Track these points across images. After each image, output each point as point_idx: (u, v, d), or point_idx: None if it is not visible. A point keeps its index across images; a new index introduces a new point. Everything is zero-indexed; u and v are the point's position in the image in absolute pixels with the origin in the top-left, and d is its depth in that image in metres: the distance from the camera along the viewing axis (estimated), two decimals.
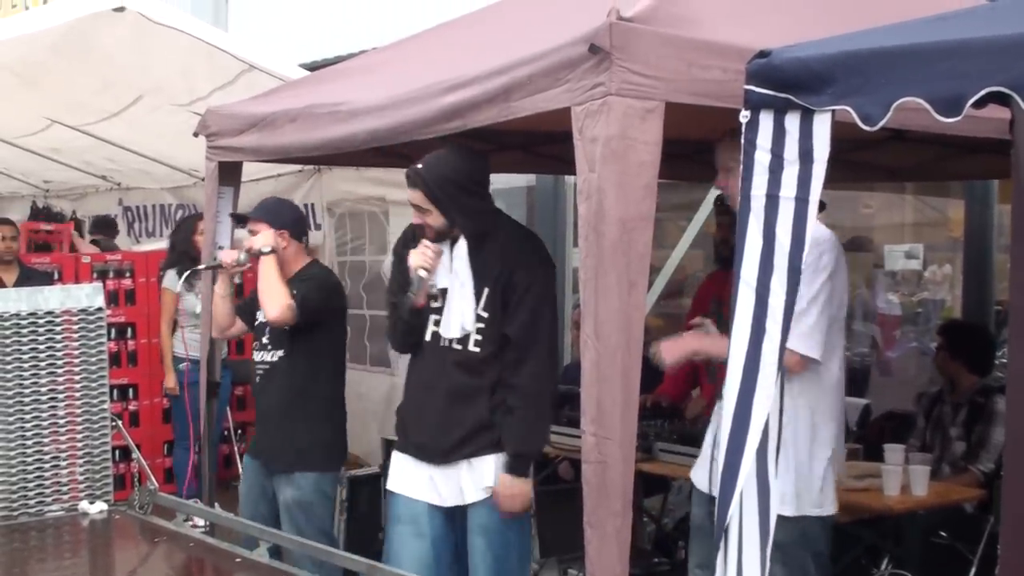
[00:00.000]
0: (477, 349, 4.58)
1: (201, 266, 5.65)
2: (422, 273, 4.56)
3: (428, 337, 4.70)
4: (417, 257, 4.58)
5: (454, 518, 4.69)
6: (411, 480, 4.74)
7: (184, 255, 7.98)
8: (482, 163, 4.72)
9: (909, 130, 4.62)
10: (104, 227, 11.01)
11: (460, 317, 4.60)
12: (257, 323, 5.60)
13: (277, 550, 4.74)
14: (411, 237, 4.76)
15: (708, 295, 6.55)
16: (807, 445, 4.31)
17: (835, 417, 4.43)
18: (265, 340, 5.53)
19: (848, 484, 5.24)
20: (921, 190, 10.10)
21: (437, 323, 4.67)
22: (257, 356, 5.58)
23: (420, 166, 4.56)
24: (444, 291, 4.65)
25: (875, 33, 3.19)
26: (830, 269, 4.24)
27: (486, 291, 4.57)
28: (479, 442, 4.58)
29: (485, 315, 4.58)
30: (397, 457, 4.83)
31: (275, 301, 5.31)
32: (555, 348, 4.65)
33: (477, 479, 4.60)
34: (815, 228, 3.96)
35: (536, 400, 4.56)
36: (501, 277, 4.56)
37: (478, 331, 4.59)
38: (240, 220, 5.68)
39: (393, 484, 4.81)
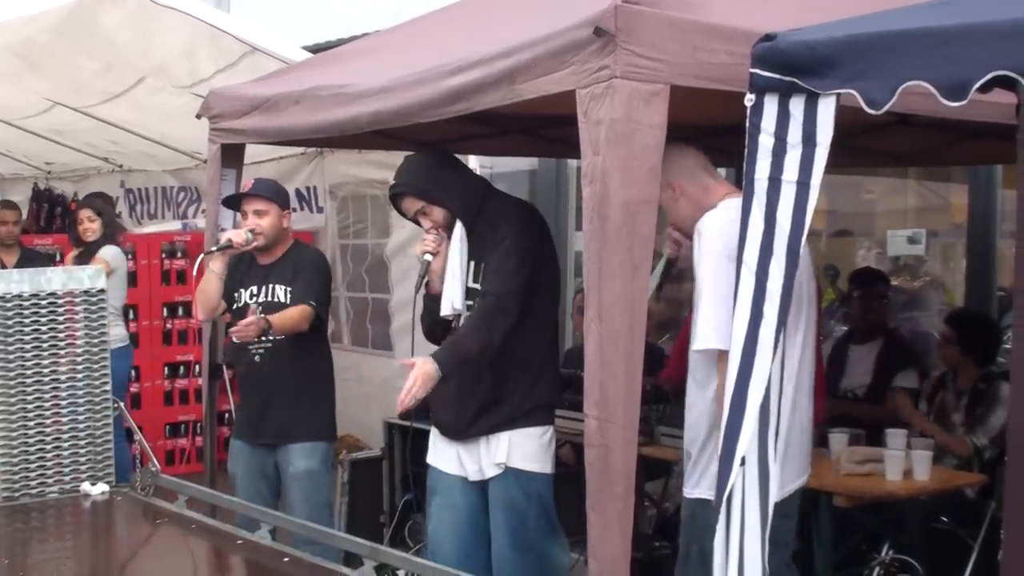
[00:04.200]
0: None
1: (213, 248, 5.63)
2: (427, 258, 4.80)
3: (454, 324, 4.86)
4: (420, 245, 4.84)
5: (483, 491, 4.86)
6: (443, 455, 4.95)
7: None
8: (441, 150, 5.04)
9: (914, 115, 4.61)
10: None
11: (450, 297, 4.77)
12: (240, 304, 5.65)
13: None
14: None
15: None
16: None
17: None
18: None
19: (849, 469, 5.24)
20: (924, 175, 10.07)
21: None
22: None
23: (400, 174, 4.86)
24: None
25: (881, 17, 3.18)
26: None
27: (482, 264, 4.72)
28: (491, 419, 4.75)
29: (478, 288, 4.73)
30: (432, 432, 5.04)
31: (301, 326, 5.49)
32: (516, 293, 4.63)
33: (493, 455, 4.76)
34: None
35: (482, 316, 4.64)
36: (492, 244, 4.69)
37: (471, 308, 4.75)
38: (234, 202, 5.70)
39: (430, 458, 5.03)
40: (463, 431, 4.82)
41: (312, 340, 5.64)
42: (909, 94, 2.95)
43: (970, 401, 6.20)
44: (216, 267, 5.59)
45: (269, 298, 5.59)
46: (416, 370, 4.50)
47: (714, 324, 3.82)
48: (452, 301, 4.76)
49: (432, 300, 4.87)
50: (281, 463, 5.66)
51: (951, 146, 6.46)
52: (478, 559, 4.85)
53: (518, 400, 4.75)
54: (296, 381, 5.60)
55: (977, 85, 2.79)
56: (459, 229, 4.76)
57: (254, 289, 5.64)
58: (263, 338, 5.52)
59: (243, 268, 5.71)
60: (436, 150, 5.09)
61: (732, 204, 3.91)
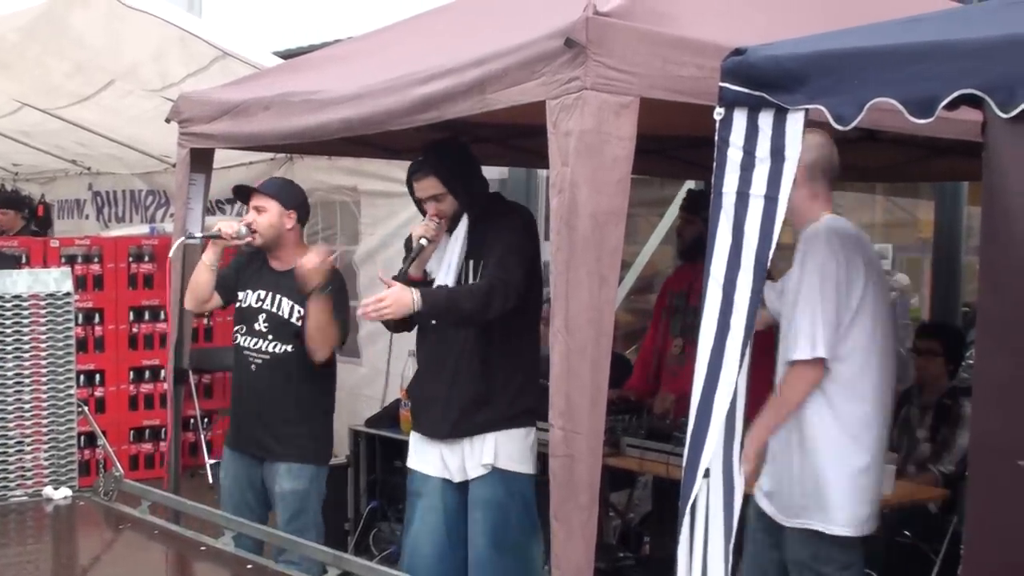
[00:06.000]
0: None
1: (198, 234, 5.52)
2: (423, 242, 4.76)
3: (430, 324, 4.85)
4: (420, 227, 4.79)
5: (462, 493, 4.86)
6: (425, 457, 4.93)
7: None
8: (468, 145, 5.01)
9: (881, 131, 4.63)
10: (9, 204, 10.19)
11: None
12: (246, 306, 5.47)
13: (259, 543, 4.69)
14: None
15: (667, 290, 6.59)
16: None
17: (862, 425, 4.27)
18: (263, 327, 5.40)
19: None
20: (891, 191, 10.15)
21: None
22: (249, 342, 5.43)
23: (428, 156, 4.82)
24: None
25: (850, 33, 3.21)
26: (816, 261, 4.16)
27: (481, 263, 4.72)
28: (479, 418, 4.74)
29: None
30: (413, 436, 5.03)
31: (327, 345, 5.28)
32: (516, 285, 4.60)
33: (478, 455, 4.76)
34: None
35: (483, 289, 4.62)
36: (491, 244, 4.71)
37: None
38: (243, 194, 5.55)
39: (411, 461, 5.01)
40: (450, 429, 4.79)
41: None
42: (877, 110, 2.98)
43: (935, 417, 6.22)
44: (207, 258, 5.42)
45: (274, 309, 5.37)
46: (392, 291, 4.50)
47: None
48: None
49: (411, 286, 4.75)
50: (267, 480, 5.47)
51: (918, 162, 6.50)
52: (453, 560, 4.88)
53: (508, 401, 4.75)
54: (290, 398, 5.36)
55: (944, 103, 2.81)
56: (463, 227, 4.78)
57: (261, 293, 5.42)
58: (267, 346, 5.39)
59: (253, 269, 5.51)
60: (465, 144, 5.02)
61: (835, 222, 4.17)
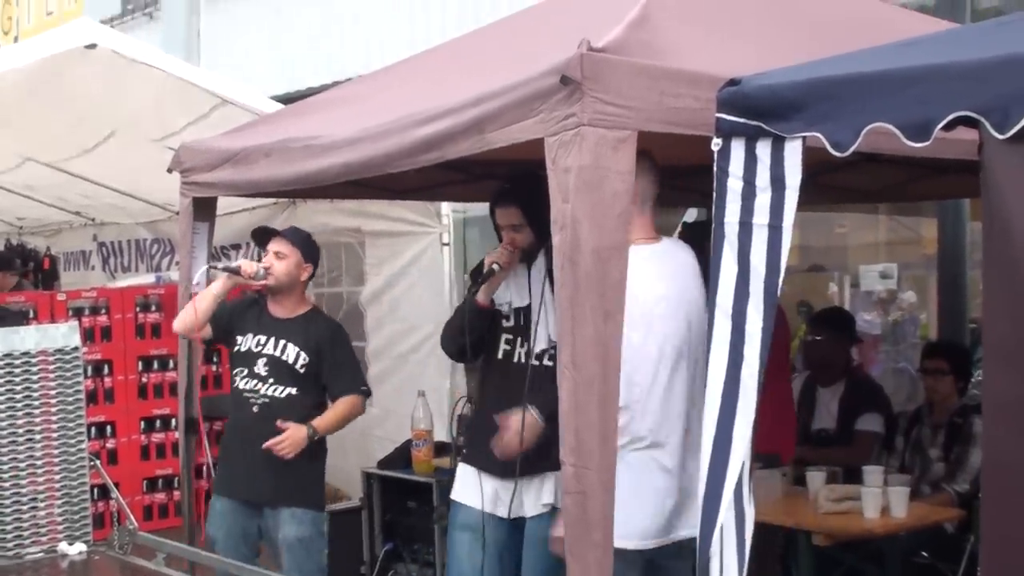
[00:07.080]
0: (551, 363, 4.62)
1: (219, 266, 5.63)
2: (495, 267, 4.79)
3: (500, 356, 4.94)
4: (494, 254, 4.82)
5: (515, 530, 4.89)
6: (475, 491, 4.94)
7: None
8: None
9: (880, 153, 4.64)
10: None
11: (546, 329, 4.77)
12: (244, 350, 5.55)
13: None
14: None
15: None
16: None
17: None
18: (263, 371, 5.48)
19: (828, 507, 5.25)
20: (894, 209, 10.12)
21: (509, 342, 4.89)
22: (248, 384, 5.50)
23: (516, 186, 4.87)
24: (517, 311, 4.91)
25: (844, 59, 3.21)
26: None
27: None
28: (542, 460, 4.66)
29: None
30: (464, 469, 5.05)
31: (354, 413, 5.62)
32: None
33: (535, 494, 4.83)
34: None
35: None
36: None
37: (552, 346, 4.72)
38: (262, 237, 5.68)
39: (458, 495, 5.04)
40: (513, 468, 4.74)
41: (316, 398, 5.52)
42: (874, 134, 2.98)
43: (947, 436, 6.21)
44: (216, 288, 5.53)
45: (277, 353, 5.47)
46: (514, 419, 4.57)
47: None
48: (550, 334, 4.73)
49: (475, 313, 4.84)
50: (269, 528, 5.49)
51: (918, 182, 6.51)
52: None
53: None
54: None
55: (940, 126, 2.82)
56: (543, 266, 4.78)
57: (262, 338, 5.51)
58: (259, 394, 5.46)
59: (254, 314, 5.61)
60: None
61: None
